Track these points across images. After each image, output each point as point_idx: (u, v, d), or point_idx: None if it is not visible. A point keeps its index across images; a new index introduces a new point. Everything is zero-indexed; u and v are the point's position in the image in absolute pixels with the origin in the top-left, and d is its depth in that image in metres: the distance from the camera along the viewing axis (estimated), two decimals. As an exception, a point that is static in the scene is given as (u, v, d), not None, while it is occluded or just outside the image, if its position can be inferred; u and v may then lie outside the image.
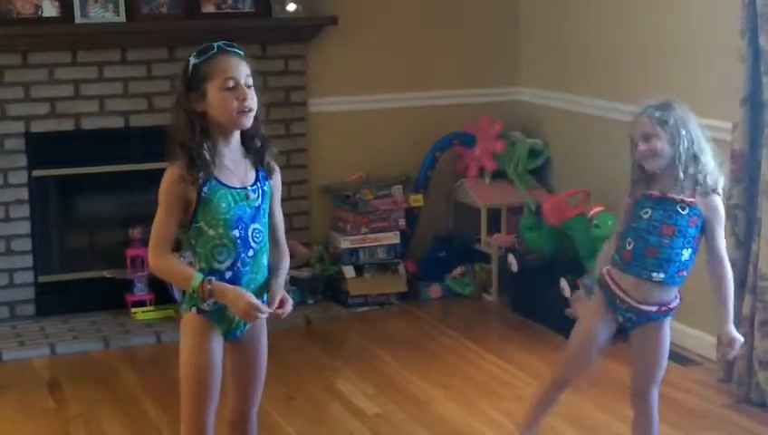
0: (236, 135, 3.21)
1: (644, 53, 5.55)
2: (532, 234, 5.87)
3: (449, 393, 4.85)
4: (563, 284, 5.49)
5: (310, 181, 6.32)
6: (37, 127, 5.81)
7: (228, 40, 3.22)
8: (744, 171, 4.64)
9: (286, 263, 3.33)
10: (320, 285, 6.12)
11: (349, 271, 6.08)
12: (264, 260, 3.25)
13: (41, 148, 5.84)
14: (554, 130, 6.36)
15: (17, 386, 5.06)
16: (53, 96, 5.82)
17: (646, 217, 3.53)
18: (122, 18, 5.82)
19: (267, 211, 3.25)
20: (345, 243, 6.10)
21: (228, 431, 3.38)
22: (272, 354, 3.39)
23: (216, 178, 3.14)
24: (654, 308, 3.57)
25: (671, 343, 5.03)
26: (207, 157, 3.12)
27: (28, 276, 5.89)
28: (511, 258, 5.99)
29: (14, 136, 5.78)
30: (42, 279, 5.92)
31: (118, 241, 6.00)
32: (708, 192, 3.51)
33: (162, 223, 3.16)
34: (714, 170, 3.52)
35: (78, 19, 5.76)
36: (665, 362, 3.68)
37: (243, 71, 3.15)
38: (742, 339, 3.62)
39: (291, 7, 6.07)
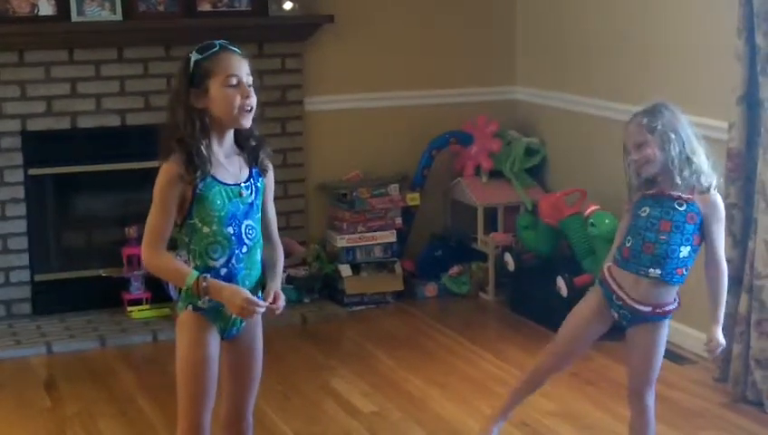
0: (230, 133, 3.22)
1: (640, 52, 5.55)
2: (529, 233, 5.88)
3: (446, 392, 4.85)
4: (560, 282, 5.49)
5: (306, 180, 6.32)
6: (34, 125, 5.81)
7: (225, 38, 3.22)
8: (740, 170, 4.65)
9: (281, 259, 3.34)
10: (316, 284, 6.12)
11: (345, 270, 6.08)
12: (258, 256, 3.25)
13: (37, 146, 5.83)
14: (551, 129, 6.36)
15: (13, 385, 5.05)
16: (50, 94, 5.81)
17: (644, 214, 3.54)
18: (119, 16, 5.82)
19: (260, 208, 3.25)
20: (342, 241, 6.10)
21: (224, 430, 3.37)
22: (268, 353, 3.39)
23: (211, 176, 3.14)
24: (648, 309, 3.58)
25: (667, 342, 5.05)
26: (205, 153, 3.12)
27: (24, 275, 5.88)
28: (507, 257, 6.00)
29: (11, 134, 5.78)
30: (38, 278, 5.92)
31: (114, 240, 6.00)
32: (704, 191, 3.51)
33: (157, 220, 3.16)
34: (708, 170, 3.53)
35: (74, 17, 5.75)
36: (658, 363, 3.68)
37: (244, 69, 3.16)
38: (724, 344, 3.62)
39: (287, 6, 6.07)
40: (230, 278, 3.17)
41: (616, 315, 3.65)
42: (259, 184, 3.25)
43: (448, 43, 6.51)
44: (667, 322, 3.65)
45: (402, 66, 6.44)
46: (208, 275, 3.14)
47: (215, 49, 3.15)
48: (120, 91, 5.92)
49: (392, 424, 4.53)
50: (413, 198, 6.30)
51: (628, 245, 3.58)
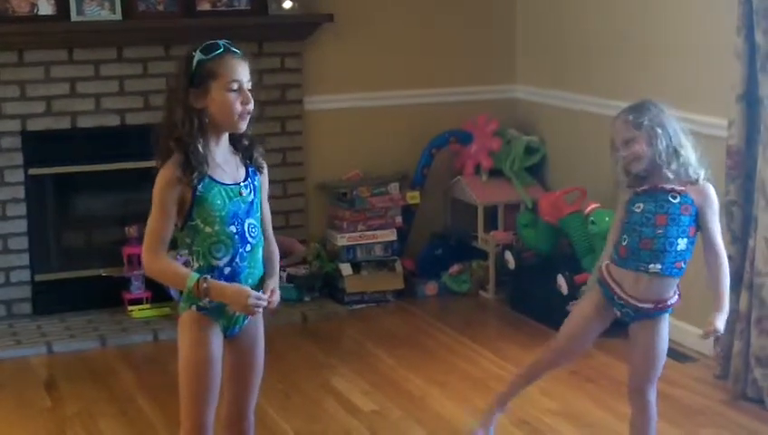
0: (227, 134, 3.22)
1: (640, 50, 5.55)
2: (529, 231, 5.88)
3: (446, 390, 4.85)
4: (560, 280, 5.49)
5: (306, 179, 6.31)
6: (33, 125, 5.81)
7: (224, 38, 3.22)
8: (740, 168, 4.64)
9: (277, 256, 3.34)
10: (317, 283, 6.12)
11: (346, 268, 6.08)
12: (260, 254, 3.26)
13: (37, 146, 5.83)
14: (551, 128, 6.36)
15: (14, 385, 5.05)
16: (49, 94, 5.81)
17: (638, 210, 3.56)
18: (118, 16, 5.82)
19: (260, 206, 3.26)
20: (342, 240, 6.10)
21: (226, 430, 3.37)
22: (268, 352, 3.38)
23: (209, 176, 3.14)
24: (650, 305, 3.58)
25: (669, 340, 5.06)
26: (202, 152, 3.12)
27: (25, 275, 5.88)
28: (508, 255, 6.00)
29: (11, 134, 5.78)
30: (38, 278, 5.92)
31: (114, 239, 6.00)
32: (694, 182, 3.54)
33: (157, 224, 3.16)
34: (695, 163, 3.55)
35: (74, 17, 5.75)
36: (662, 359, 3.69)
37: (246, 74, 3.16)
38: (722, 331, 3.60)
39: (287, 5, 6.07)
40: (233, 277, 3.17)
41: (618, 313, 3.65)
42: (256, 182, 3.25)
43: (448, 42, 6.51)
44: (667, 316, 3.65)
45: (402, 65, 6.44)
46: (209, 277, 3.14)
47: (219, 51, 3.14)
48: (119, 91, 5.92)
49: (392, 423, 4.53)
50: (413, 197, 6.30)
51: (624, 243, 3.58)
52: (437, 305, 6.10)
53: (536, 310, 5.69)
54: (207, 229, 3.16)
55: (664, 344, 3.68)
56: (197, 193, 3.13)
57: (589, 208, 5.45)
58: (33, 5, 5.73)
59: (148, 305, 5.85)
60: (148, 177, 3.24)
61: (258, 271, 3.25)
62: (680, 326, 5.23)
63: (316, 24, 6.17)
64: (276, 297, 3.22)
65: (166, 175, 3.13)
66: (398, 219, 6.21)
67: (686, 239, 3.54)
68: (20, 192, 5.83)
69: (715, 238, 3.57)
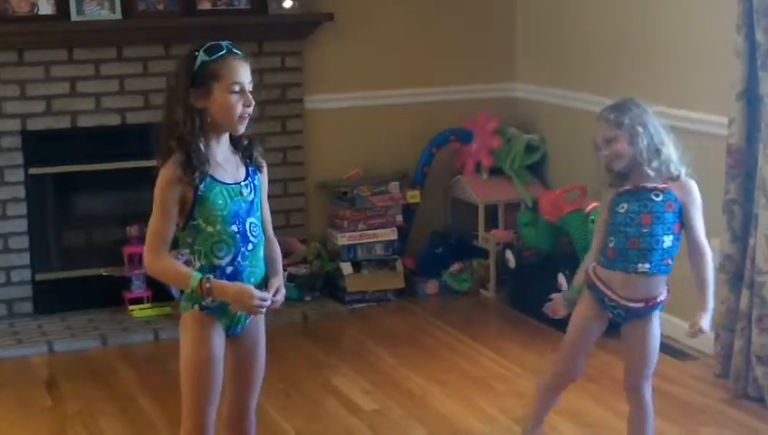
0: (227, 133, 3.22)
1: (640, 48, 5.55)
2: (530, 230, 5.87)
3: (446, 389, 4.85)
4: (561, 279, 5.48)
5: (306, 178, 6.31)
6: (33, 125, 5.81)
7: (224, 37, 3.22)
8: (740, 166, 4.64)
9: (279, 255, 3.35)
10: (317, 282, 6.12)
11: (346, 267, 6.08)
12: (262, 253, 3.26)
13: (37, 145, 5.83)
14: (551, 126, 6.36)
15: (15, 384, 5.05)
16: (50, 94, 5.81)
17: (622, 211, 3.57)
18: (118, 15, 5.82)
19: (260, 205, 3.27)
20: (342, 239, 6.10)
21: (227, 429, 3.37)
22: (269, 351, 3.38)
23: (210, 176, 3.14)
24: (641, 304, 3.60)
25: (669, 338, 5.06)
26: (204, 151, 3.12)
27: (25, 274, 5.89)
28: (508, 254, 6.00)
29: (11, 134, 5.78)
30: (39, 277, 5.92)
31: (115, 239, 6.00)
32: (675, 179, 3.54)
33: (159, 224, 3.16)
34: (677, 159, 3.56)
35: (74, 16, 5.75)
36: (655, 355, 3.69)
37: (247, 75, 3.17)
38: (707, 331, 3.60)
39: (287, 4, 6.07)
40: (236, 276, 3.18)
41: (611, 315, 3.67)
42: (256, 182, 3.26)
43: (448, 41, 6.51)
44: (658, 313, 3.65)
45: (402, 64, 6.44)
46: (212, 276, 3.14)
47: (222, 52, 3.14)
48: (119, 90, 5.92)
49: (393, 422, 4.53)
50: (413, 196, 6.30)
51: (611, 245, 3.59)
52: (438, 304, 6.10)
53: (537, 309, 5.62)
54: (209, 229, 3.16)
55: (656, 341, 3.69)
56: (199, 193, 3.13)
57: (589, 207, 5.45)
58: (33, 5, 5.73)
59: (148, 305, 5.85)
60: (149, 176, 3.24)
61: (260, 270, 3.25)
62: (680, 324, 5.22)
63: (316, 23, 6.17)
64: (281, 296, 3.22)
65: (167, 174, 3.13)
66: (399, 218, 6.21)
67: (671, 236, 3.55)
68: (20, 192, 5.83)
69: (698, 234, 3.59)
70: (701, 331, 3.57)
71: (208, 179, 3.14)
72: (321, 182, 6.32)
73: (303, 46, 6.24)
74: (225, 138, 3.22)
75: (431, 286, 6.24)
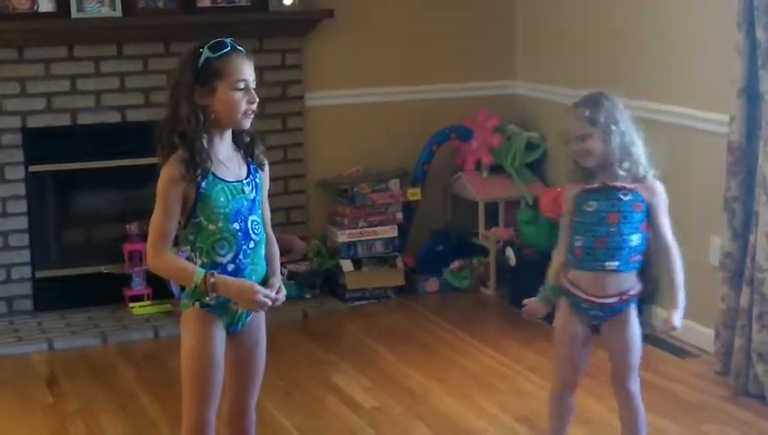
0: (229, 131, 3.22)
1: (640, 46, 5.55)
2: (530, 227, 5.87)
3: (446, 387, 4.85)
4: (508, 252, 5.47)
5: (307, 175, 6.31)
6: (34, 122, 5.81)
7: (224, 34, 3.22)
8: (741, 163, 4.64)
9: (277, 254, 3.35)
10: (317, 280, 6.12)
11: (346, 265, 6.08)
12: (263, 251, 3.26)
13: (37, 143, 5.83)
14: (551, 124, 6.35)
15: (15, 381, 5.06)
16: (50, 91, 5.81)
17: (590, 209, 3.57)
18: (118, 13, 5.82)
19: (261, 203, 3.27)
20: (342, 237, 6.10)
21: (227, 426, 3.37)
22: (269, 349, 3.38)
23: (212, 174, 3.14)
24: (614, 299, 3.59)
25: (669, 335, 5.06)
26: (206, 148, 3.12)
27: (25, 272, 5.89)
28: (509, 252, 5.99)
29: (11, 131, 5.78)
30: (39, 274, 5.92)
31: (115, 236, 6.00)
32: (642, 180, 3.54)
33: (161, 221, 3.15)
34: (645, 160, 3.56)
35: (74, 14, 5.75)
36: (638, 350, 3.66)
37: (251, 73, 3.17)
38: (678, 327, 3.60)
39: (287, 1, 6.06)
40: (237, 274, 3.18)
41: (588, 319, 3.66)
42: (258, 180, 3.26)
43: (448, 38, 6.51)
44: (634, 307, 3.65)
45: (402, 61, 6.43)
46: (215, 272, 3.14)
47: (227, 49, 3.14)
48: (119, 88, 5.92)
49: (393, 419, 4.53)
50: (414, 194, 6.30)
51: (578, 244, 3.60)
52: (438, 302, 6.10)
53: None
54: (211, 226, 3.16)
55: (637, 337, 3.66)
56: (201, 190, 3.13)
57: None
58: (34, 2, 5.73)
59: (148, 302, 5.85)
60: (149, 174, 3.23)
61: (261, 268, 3.25)
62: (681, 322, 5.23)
63: (316, 20, 6.16)
64: (282, 296, 3.22)
65: (169, 172, 3.13)
66: (399, 216, 6.21)
67: (638, 235, 3.56)
68: (20, 189, 5.83)
69: (665, 234, 3.59)
70: (673, 328, 3.59)
71: (210, 177, 3.14)
72: (322, 179, 6.32)
73: (304, 43, 6.24)
74: (228, 135, 3.22)
75: (431, 284, 6.24)
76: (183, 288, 3.25)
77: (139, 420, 4.57)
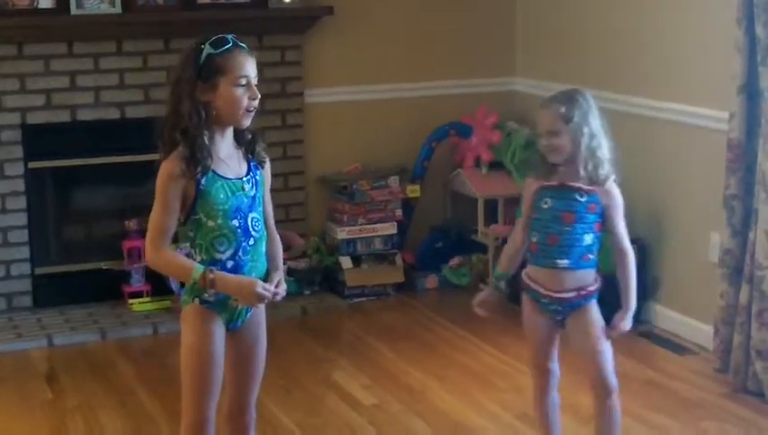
0: (230, 128, 3.22)
1: (640, 42, 5.55)
2: (529, 224, 5.87)
3: (445, 384, 4.85)
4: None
5: (306, 172, 6.31)
6: (33, 118, 5.80)
7: (225, 31, 3.21)
8: (740, 161, 4.64)
9: (280, 250, 3.35)
10: (316, 276, 6.12)
11: (346, 262, 6.08)
12: (263, 248, 3.26)
13: (37, 139, 5.83)
14: (551, 121, 6.34)
15: (15, 378, 5.05)
16: (49, 87, 5.81)
17: (546, 207, 3.58)
18: (118, 9, 5.81)
19: (262, 200, 3.26)
20: (342, 234, 6.10)
21: (227, 423, 3.37)
22: (268, 346, 3.38)
23: (212, 171, 3.14)
24: (572, 295, 3.60)
25: (669, 333, 5.06)
26: (207, 145, 3.12)
27: (25, 268, 5.88)
28: (508, 249, 5.99)
29: (10, 127, 5.78)
30: (38, 271, 5.92)
31: (114, 232, 6.00)
32: (600, 183, 3.54)
33: (161, 217, 3.15)
34: (607, 164, 3.55)
35: (73, 10, 5.74)
36: (602, 344, 3.63)
37: (253, 69, 3.16)
38: (627, 330, 3.60)
39: (287, -2, 6.07)
40: (236, 271, 3.18)
41: (549, 315, 3.66)
42: (258, 177, 3.25)
43: (448, 35, 6.51)
44: (595, 302, 3.64)
45: (402, 58, 6.43)
46: (214, 268, 3.14)
47: (229, 45, 3.14)
48: (119, 84, 5.91)
49: (392, 416, 4.53)
50: (413, 190, 6.30)
51: (534, 240, 3.62)
52: (437, 299, 6.10)
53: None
54: (210, 223, 3.16)
55: (598, 330, 3.63)
56: (201, 187, 3.13)
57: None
58: (33, -1, 5.73)
59: (148, 299, 5.85)
60: (148, 170, 3.23)
61: (262, 265, 3.25)
62: (679, 319, 5.24)
63: (316, 17, 6.16)
64: (282, 290, 3.21)
65: (169, 168, 3.12)
66: (398, 213, 6.21)
67: (591, 235, 3.57)
68: (20, 185, 5.83)
69: (621, 239, 3.60)
70: (622, 330, 3.59)
71: (210, 174, 3.13)
72: (321, 176, 6.32)
73: (303, 40, 6.23)
74: (229, 132, 3.22)
75: (430, 281, 6.24)
76: (182, 285, 3.25)
77: (138, 417, 4.57)
